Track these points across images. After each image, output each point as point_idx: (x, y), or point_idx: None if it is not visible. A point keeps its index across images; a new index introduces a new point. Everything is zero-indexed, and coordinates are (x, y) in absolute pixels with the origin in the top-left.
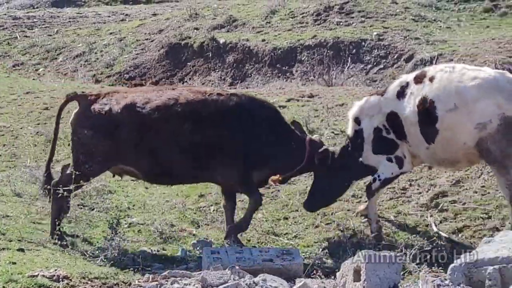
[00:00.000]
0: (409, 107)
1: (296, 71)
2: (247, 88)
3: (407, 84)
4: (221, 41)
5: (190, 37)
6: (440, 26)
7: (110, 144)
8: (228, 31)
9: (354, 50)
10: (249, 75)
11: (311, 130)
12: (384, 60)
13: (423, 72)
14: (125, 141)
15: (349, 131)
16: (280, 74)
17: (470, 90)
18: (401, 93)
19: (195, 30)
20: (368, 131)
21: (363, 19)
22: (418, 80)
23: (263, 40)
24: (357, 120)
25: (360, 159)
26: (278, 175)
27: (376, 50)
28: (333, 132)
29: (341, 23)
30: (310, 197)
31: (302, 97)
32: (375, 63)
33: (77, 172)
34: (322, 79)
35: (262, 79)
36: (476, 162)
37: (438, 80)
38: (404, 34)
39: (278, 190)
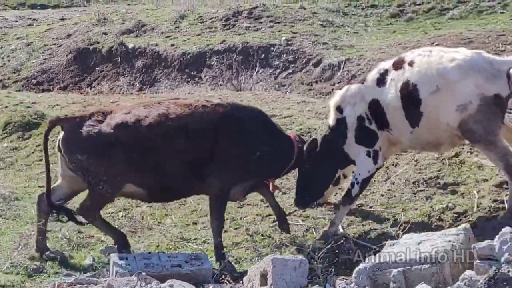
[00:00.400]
0: (391, 93)
1: (205, 76)
2: (156, 93)
3: (386, 71)
4: (130, 46)
5: (98, 42)
6: (348, 31)
7: (109, 165)
8: (137, 36)
9: (263, 55)
10: (158, 80)
11: None
12: (292, 65)
13: (400, 58)
14: (123, 160)
15: (331, 120)
16: (189, 79)
17: (450, 71)
18: (381, 80)
19: (104, 35)
20: (351, 119)
21: (271, 24)
22: (398, 66)
23: (172, 45)
24: (339, 109)
25: (343, 147)
26: (272, 183)
27: (284, 55)
28: None
29: (250, 28)
30: (298, 194)
31: None
32: (283, 68)
33: (98, 197)
34: (231, 84)
35: (171, 84)
36: (458, 144)
37: (418, 64)
38: (312, 39)
39: None
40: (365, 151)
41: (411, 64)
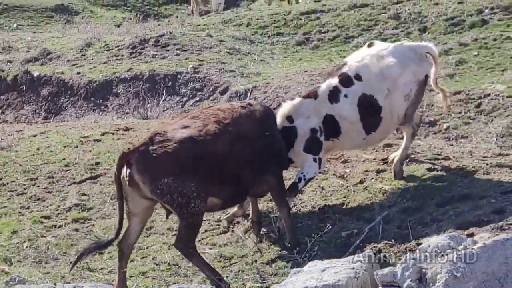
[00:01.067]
0: (346, 108)
1: (112, 104)
2: (61, 121)
3: (337, 88)
4: (35, 74)
5: (3, 70)
6: (254, 59)
7: (195, 178)
8: (42, 64)
9: (170, 83)
10: (64, 109)
11: None
12: (199, 93)
13: (343, 74)
14: (205, 171)
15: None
16: (95, 107)
17: (392, 69)
18: (332, 97)
19: (9, 63)
20: (304, 130)
21: (178, 52)
22: (347, 83)
23: (78, 73)
24: (289, 119)
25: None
26: None
27: (191, 83)
28: None
29: (156, 56)
30: None
31: (117, 130)
32: (190, 96)
33: (190, 220)
34: (138, 112)
35: (77, 112)
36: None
37: (364, 76)
38: (219, 66)
39: (93, 225)
40: (312, 157)
41: (358, 78)
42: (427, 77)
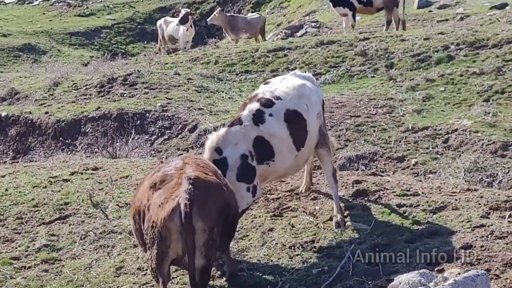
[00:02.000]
0: (274, 126)
1: (80, 143)
2: (30, 161)
3: (259, 110)
4: (3, 114)
5: None
6: (223, 97)
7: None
8: (10, 104)
9: (139, 121)
10: (32, 148)
11: (95, 203)
12: (168, 131)
13: (261, 98)
14: None
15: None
16: (64, 147)
17: (305, 88)
18: (258, 120)
19: None
20: (233, 158)
21: (146, 90)
22: (267, 104)
23: (46, 113)
24: (218, 150)
25: None
26: None
27: (160, 121)
28: (117, 205)
29: (125, 95)
30: None
31: (86, 170)
32: (159, 134)
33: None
34: (106, 151)
35: (46, 152)
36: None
37: (283, 95)
38: (188, 104)
39: (63, 266)
40: (246, 187)
41: (277, 98)
42: (323, 103)
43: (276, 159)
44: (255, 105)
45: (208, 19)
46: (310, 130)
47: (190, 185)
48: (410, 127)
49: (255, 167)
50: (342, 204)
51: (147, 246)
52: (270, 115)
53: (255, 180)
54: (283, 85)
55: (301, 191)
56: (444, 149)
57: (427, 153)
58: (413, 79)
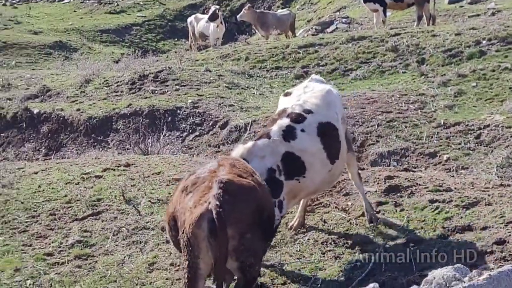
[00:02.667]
0: (306, 142)
1: (112, 140)
2: (62, 158)
3: (290, 126)
4: (35, 111)
5: (3, 108)
6: (253, 93)
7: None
8: (42, 101)
9: (170, 118)
10: (65, 145)
11: (127, 199)
12: (199, 127)
13: (291, 113)
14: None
15: None
16: (95, 144)
17: (331, 94)
18: (288, 136)
19: (8, 101)
20: (259, 171)
21: (177, 87)
22: (298, 119)
23: (78, 110)
24: None
25: None
26: None
27: (191, 118)
28: (150, 201)
29: (156, 92)
30: None
31: (118, 166)
32: (190, 131)
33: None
34: (138, 147)
35: (78, 149)
36: None
37: (314, 108)
38: (219, 101)
39: (96, 261)
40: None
41: (308, 112)
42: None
43: (307, 175)
44: (285, 121)
45: (238, 16)
46: (342, 140)
47: (220, 189)
48: (442, 123)
49: (282, 182)
50: (373, 201)
51: (183, 258)
52: (302, 130)
53: (282, 195)
54: (309, 95)
55: (291, 227)
56: (476, 144)
57: (459, 148)
58: (444, 74)
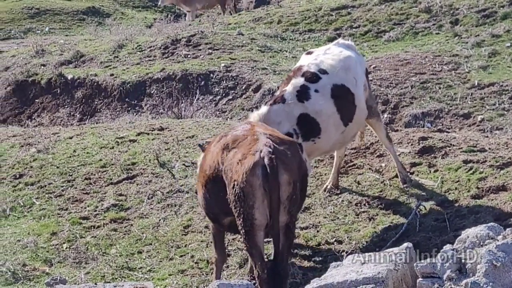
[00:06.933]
0: (320, 103)
1: (146, 104)
2: (96, 123)
3: (304, 86)
4: (69, 76)
5: (37, 74)
6: (286, 56)
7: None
8: (75, 67)
9: (203, 82)
10: (99, 110)
11: (161, 163)
12: (232, 91)
13: (306, 72)
14: None
15: None
16: (129, 108)
17: (351, 60)
18: (302, 96)
19: (42, 67)
20: None
21: (210, 51)
22: (313, 78)
23: (112, 75)
24: None
25: None
26: None
27: (224, 81)
28: (184, 165)
29: (188, 56)
30: None
31: (152, 130)
32: (223, 94)
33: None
34: (172, 111)
35: (112, 114)
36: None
37: (329, 69)
38: (251, 64)
39: (131, 225)
40: None
41: (323, 72)
42: (367, 71)
43: (322, 136)
44: (299, 81)
45: (159, 3)
46: (359, 104)
47: (268, 139)
48: (476, 84)
49: (301, 144)
50: (407, 162)
51: (235, 216)
52: (316, 91)
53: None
54: (328, 56)
55: (325, 189)
56: (511, 105)
57: (493, 109)
58: (478, 35)
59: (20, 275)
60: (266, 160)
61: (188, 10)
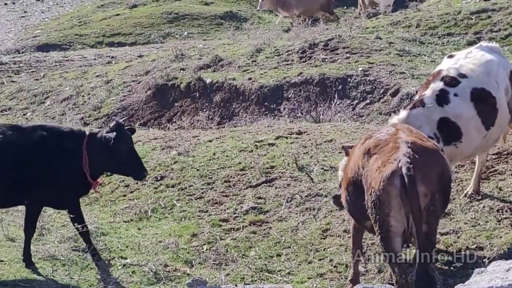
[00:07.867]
0: (460, 107)
1: (284, 108)
2: (235, 126)
3: (443, 90)
4: (208, 80)
5: (176, 78)
6: (425, 60)
7: None
8: (214, 71)
9: (340, 86)
10: (237, 114)
11: (300, 166)
12: (370, 95)
13: (445, 76)
14: None
15: None
16: (267, 112)
17: (492, 63)
18: (442, 100)
19: (182, 71)
20: None
21: (348, 55)
22: (452, 83)
23: (250, 79)
24: None
25: None
26: None
27: (362, 86)
28: (322, 168)
29: (326, 60)
30: None
31: (290, 134)
32: (361, 99)
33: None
34: (310, 115)
35: (250, 118)
36: None
37: (470, 73)
38: (389, 69)
39: (270, 228)
40: None
41: (462, 76)
42: (510, 73)
43: (463, 140)
44: (438, 85)
45: (258, 7)
46: (501, 108)
47: (409, 148)
48: None
49: (442, 149)
50: None
51: (372, 221)
52: (455, 95)
53: None
54: (468, 60)
55: (465, 194)
56: None
57: None
58: None
59: (161, 276)
60: (404, 170)
61: (286, 15)
